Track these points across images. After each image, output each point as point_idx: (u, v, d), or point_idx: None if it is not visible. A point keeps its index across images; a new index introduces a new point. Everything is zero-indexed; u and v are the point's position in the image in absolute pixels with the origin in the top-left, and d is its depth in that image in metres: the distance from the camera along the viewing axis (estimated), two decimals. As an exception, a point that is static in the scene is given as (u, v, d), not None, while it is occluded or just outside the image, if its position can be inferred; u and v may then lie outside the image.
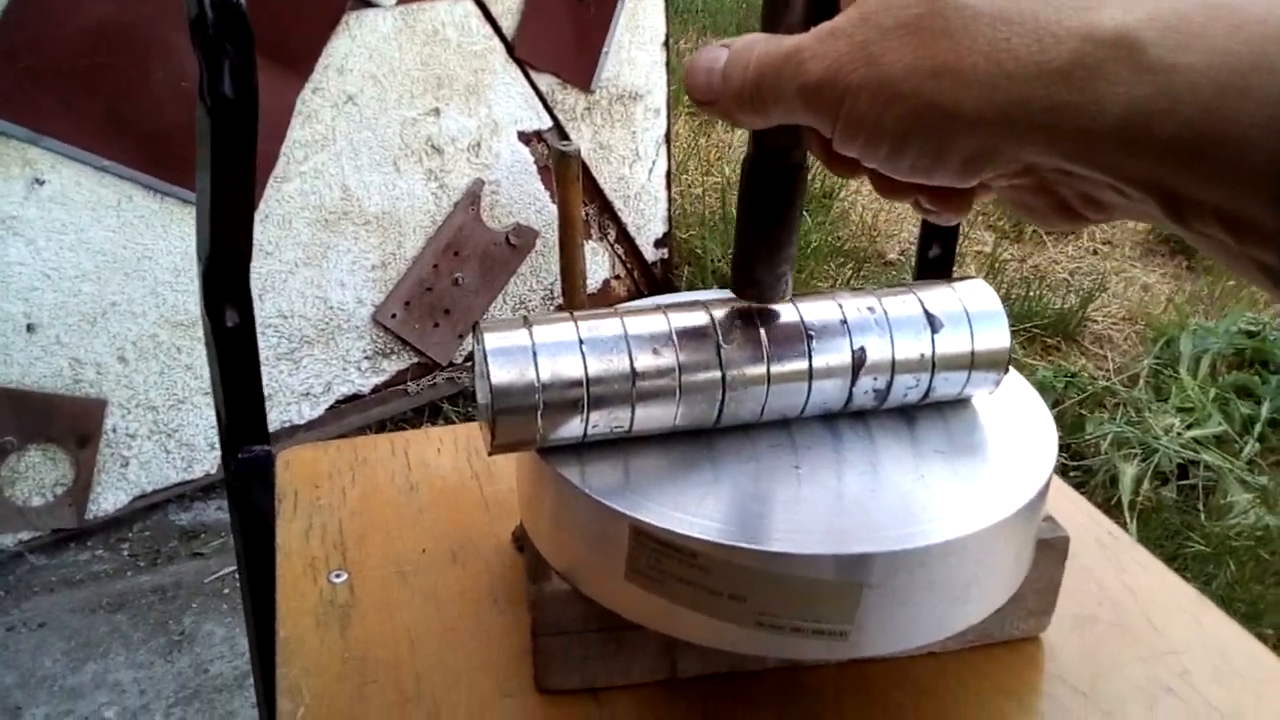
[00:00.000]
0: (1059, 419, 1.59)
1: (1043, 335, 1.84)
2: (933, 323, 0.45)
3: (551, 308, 1.85)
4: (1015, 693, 0.48)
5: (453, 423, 1.74)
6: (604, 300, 1.94)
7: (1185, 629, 0.52)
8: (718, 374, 0.43)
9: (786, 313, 0.44)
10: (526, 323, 0.42)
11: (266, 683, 0.71)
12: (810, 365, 0.44)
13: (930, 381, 0.46)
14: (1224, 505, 1.41)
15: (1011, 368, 0.50)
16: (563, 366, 0.41)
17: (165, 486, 1.47)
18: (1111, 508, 1.44)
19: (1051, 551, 0.48)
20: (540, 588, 0.45)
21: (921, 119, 0.28)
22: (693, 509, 0.40)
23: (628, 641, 0.46)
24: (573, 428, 0.42)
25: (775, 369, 0.43)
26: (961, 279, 0.48)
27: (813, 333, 0.44)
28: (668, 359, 0.42)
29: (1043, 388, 1.61)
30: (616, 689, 0.47)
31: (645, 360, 0.42)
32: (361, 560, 0.55)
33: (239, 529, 0.68)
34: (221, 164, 0.56)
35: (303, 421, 1.62)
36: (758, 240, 0.38)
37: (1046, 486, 0.44)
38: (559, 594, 0.44)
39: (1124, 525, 1.41)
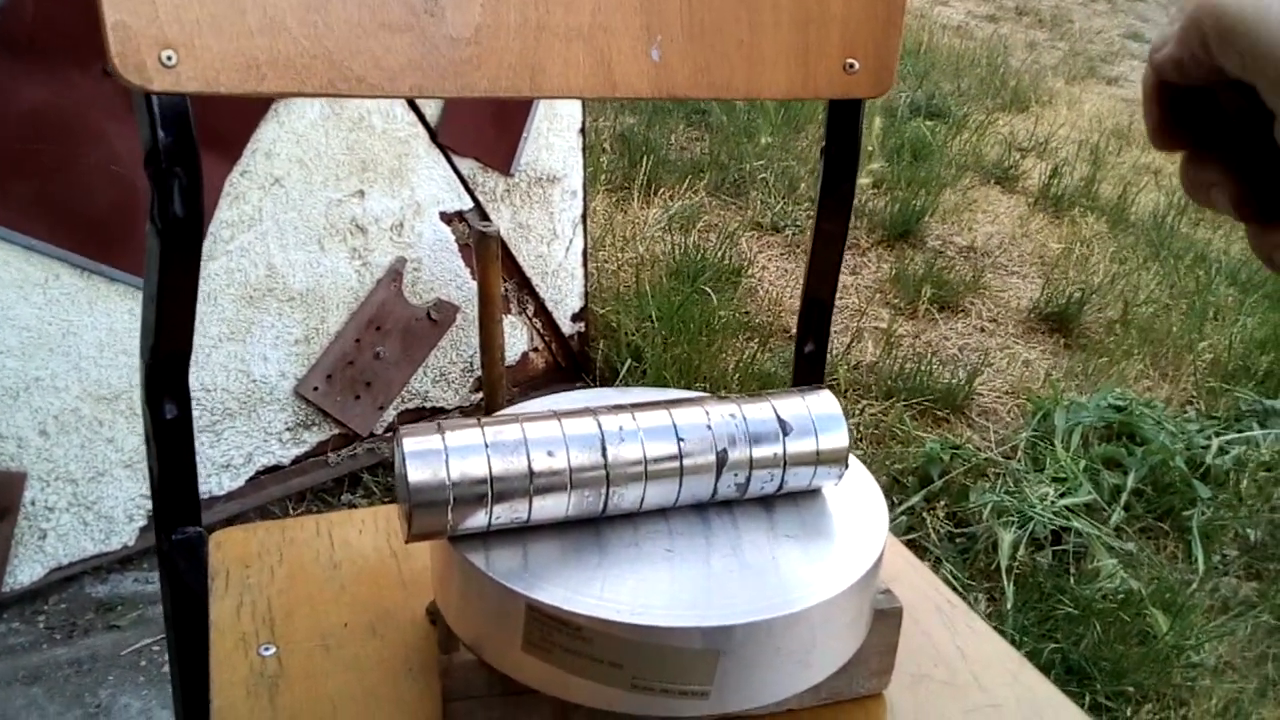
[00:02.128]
0: (946, 488, 1.70)
1: (934, 408, 1.97)
2: (784, 427, 0.54)
3: (471, 380, 1.92)
4: (858, 743, 0.56)
5: (372, 492, 1.78)
6: (522, 372, 2.01)
7: (1006, 686, 0.60)
8: (603, 472, 0.51)
9: (660, 419, 0.53)
10: (440, 429, 0.50)
11: (192, 751, 0.76)
12: (681, 464, 0.52)
13: (783, 476, 0.55)
14: (1092, 570, 1.53)
15: (855, 459, 0.59)
16: (470, 467, 0.49)
17: (82, 559, 1.48)
18: (992, 572, 1.55)
19: (887, 619, 0.56)
20: (450, 658, 0.52)
21: None
22: (579, 589, 0.48)
23: (525, 704, 0.52)
24: (479, 519, 0.49)
25: (652, 468, 0.52)
26: (811, 388, 0.57)
27: (683, 437, 0.52)
28: (560, 460, 0.50)
29: (931, 459, 1.73)
30: (516, 746, 0.53)
31: (541, 461, 0.50)
32: (289, 634, 0.61)
33: (170, 605, 0.73)
34: (169, 274, 0.62)
35: (222, 492, 1.65)
36: None
37: (877, 565, 0.53)
38: (466, 663, 0.51)
39: (1002, 589, 1.52)
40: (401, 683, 0.58)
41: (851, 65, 0.71)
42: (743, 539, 0.53)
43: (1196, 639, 1.46)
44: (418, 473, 0.48)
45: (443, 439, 0.49)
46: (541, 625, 0.47)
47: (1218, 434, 1.90)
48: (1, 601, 1.41)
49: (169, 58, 0.57)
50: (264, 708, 0.55)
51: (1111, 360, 2.21)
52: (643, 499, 0.52)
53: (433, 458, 0.49)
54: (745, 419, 0.53)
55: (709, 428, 0.53)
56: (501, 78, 0.67)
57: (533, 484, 0.50)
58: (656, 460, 0.51)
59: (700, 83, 0.71)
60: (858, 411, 1.96)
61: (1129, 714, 1.33)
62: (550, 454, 0.50)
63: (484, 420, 0.51)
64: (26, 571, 1.43)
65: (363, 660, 0.59)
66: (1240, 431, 1.93)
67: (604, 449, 0.51)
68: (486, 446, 0.49)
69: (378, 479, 1.79)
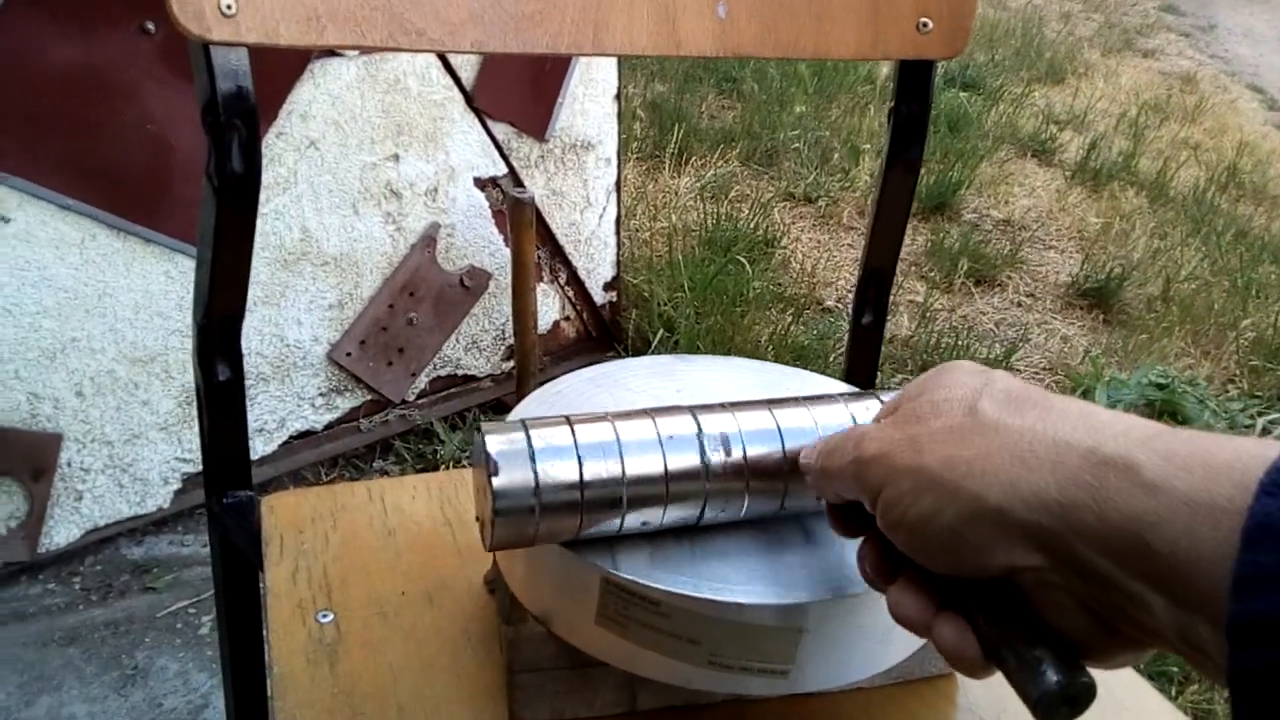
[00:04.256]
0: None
1: (970, 383, 1.94)
2: None
3: (503, 348, 1.90)
4: (932, 724, 0.54)
5: (403, 459, 1.77)
6: (553, 340, 1.99)
7: (1080, 667, 0.59)
8: (701, 487, 0.46)
9: (764, 421, 0.47)
10: (524, 426, 0.45)
11: (240, 715, 0.75)
12: (785, 490, 0.47)
13: None
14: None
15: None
16: (561, 472, 0.44)
17: (118, 520, 1.48)
18: (1031, 550, 1.53)
19: (964, 598, 0.54)
20: (517, 629, 0.50)
21: (951, 502, 0.33)
22: (657, 563, 0.46)
23: (593, 678, 0.51)
24: (566, 530, 0.45)
25: (754, 485, 0.47)
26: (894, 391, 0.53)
27: (791, 465, 0.46)
28: (656, 470, 0.45)
29: (969, 435, 1.70)
30: (581, 720, 0.52)
31: (636, 470, 0.45)
32: (346, 601, 0.60)
33: (221, 568, 0.73)
34: (225, 234, 0.61)
35: (255, 457, 1.65)
36: None
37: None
38: (534, 635, 0.50)
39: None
40: (461, 652, 0.56)
41: (925, 24, 0.69)
42: (822, 517, 0.51)
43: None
44: (503, 476, 0.43)
45: (528, 440, 0.44)
46: (617, 599, 0.46)
47: (1260, 413, 1.86)
48: (37, 563, 1.41)
49: (229, 7, 0.55)
50: (325, 676, 0.54)
51: (1152, 337, 2.17)
52: (743, 513, 0.48)
53: (519, 459, 0.44)
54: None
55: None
56: (564, 34, 0.65)
57: (627, 493, 0.45)
58: (759, 478, 0.47)
59: (766, 41, 0.68)
60: (893, 386, 1.94)
61: (1173, 694, 1.31)
62: (646, 461, 0.45)
63: (573, 418, 0.46)
64: (62, 533, 1.43)
65: (421, 629, 0.58)
66: (1283, 411, 1.89)
67: (706, 462, 0.46)
68: (578, 450, 0.44)
69: (409, 446, 1.79)
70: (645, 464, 0.45)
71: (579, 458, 0.44)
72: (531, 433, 0.45)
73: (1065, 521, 0.31)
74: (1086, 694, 0.33)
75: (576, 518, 0.44)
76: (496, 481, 0.43)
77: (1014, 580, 0.34)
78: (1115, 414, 0.33)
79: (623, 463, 0.44)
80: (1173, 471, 0.29)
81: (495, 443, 0.44)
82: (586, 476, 0.44)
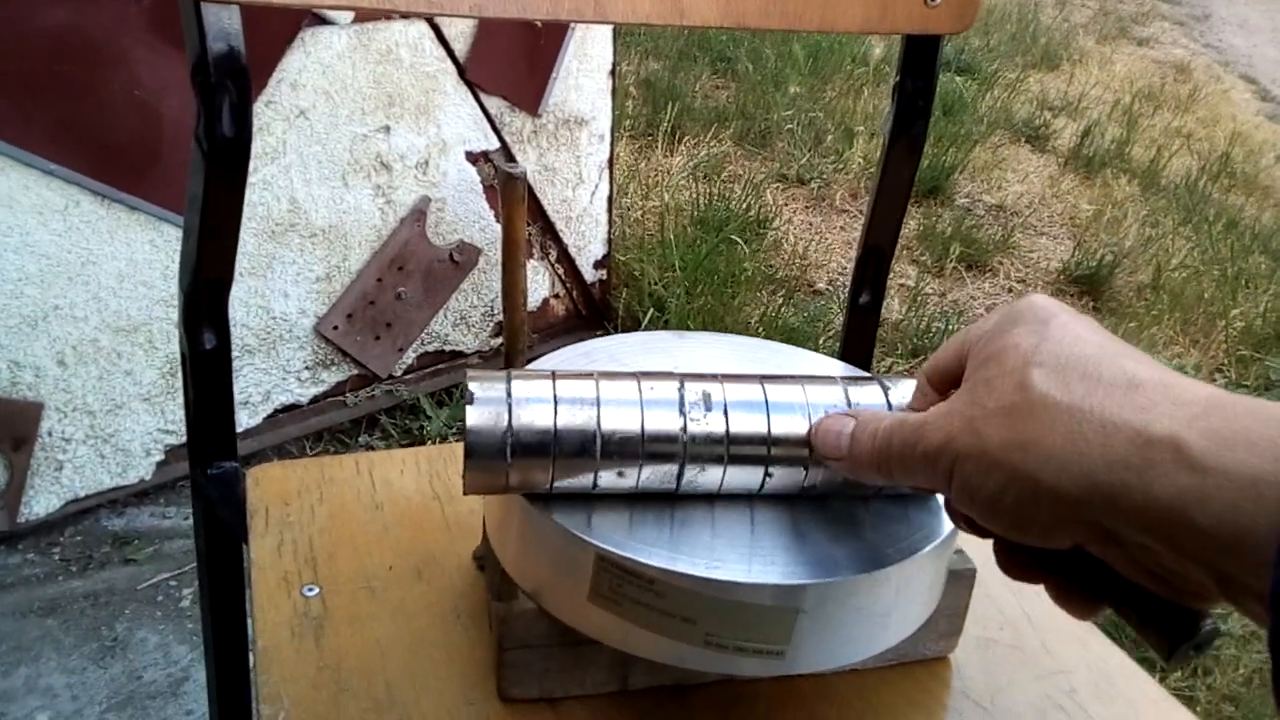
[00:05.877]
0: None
1: (960, 368, 1.94)
2: None
3: (491, 324, 1.89)
4: (925, 706, 0.54)
5: (389, 434, 1.76)
6: (542, 318, 1.98)
7: (1074, 652, 0.58)
8: (679, 449, 0.45)
9: (753, 394, 0.47)
10: (508, 376, 0.47)
11: (222, 689, 0.74)
12: (768, 462, 0.47)
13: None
14: (1120, 535, 1.50)
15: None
16: (535, 416, 0.44)
17: (98, 491, 1.46)
18: (1018, 535, 1.53)
19: (960, 581, 0.54)
20: (508, 606, 0.49)
21: (1013, 483, 0.34)
22: (652, 540, 0.45)
23: (585, 656, 0.50)
24: (539, 478, 0.45)
25: (734, 451, 0.46)
26: (895, 377, 0.52)
27: (775, 438, 0.46)
28: (633, 426, 0.45)
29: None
30: (572, 699, 0.51)
31: (612, 424, 0.45)
32: (332, 575, 0.59)
33: (205, 541, 0.71)
34: (214, 199, 0.59)
35: (239, 430, 1.63)
36: None
37: (956, 528, 0.50)
38: (525, 612, 0.49)
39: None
40: (451, 628, 0.55)
41: (932, -2, 0.67)
42: (823, 499, 0.50)
43: (1223, 607, 1.44)
44: (476, 417, 0.44)
45: (508, 388, 0.46)
46: (611, 576, 0.45)
47: (1248, 403, 1.87)
48: (17, 533, 1.39)
49: (219, -38, 0.53)
50: (310, 650, 0.53)
51: (1141, 325, 2.17)
52: (721, 482, 0.48)
53: (495, 404, 0.45)
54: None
55: (805, 441, 0.47)
56: (565, 0, 0.63)
57: (602, 448, 0.44)
58: (739, 444, 0.46)
59: (772, 13, 0.67)
60: (882, 370, 1.93)
61: (1157, 681, 1.31)
62: (623, 419, 0.44)
63: (557, 373, 0.47)
64: (42, 503, 1.41)
65: (409, 604, 0.57)
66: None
67: (685, 423, 0.45)
68: (555, 400, 0.45)
69: (395, 421, 1.77)
70: (622, 417, 0.45)
71: (555, 405, 0.45)
72: (513, 381, 0.45)
73: (1113, 502, 0.31)
74: (1210, 637, 0.35)
75: (548, 464, 0.44)
76: (470, 420, 0.44)
77: (1084, 549, 0.35)
78: (1162, 381, 0.33)
79: (599, 413, 0.45)
80: (1217, 449, 0.29)
81: (476, 386, 0.45)
82: (561, 424, 0.44)
